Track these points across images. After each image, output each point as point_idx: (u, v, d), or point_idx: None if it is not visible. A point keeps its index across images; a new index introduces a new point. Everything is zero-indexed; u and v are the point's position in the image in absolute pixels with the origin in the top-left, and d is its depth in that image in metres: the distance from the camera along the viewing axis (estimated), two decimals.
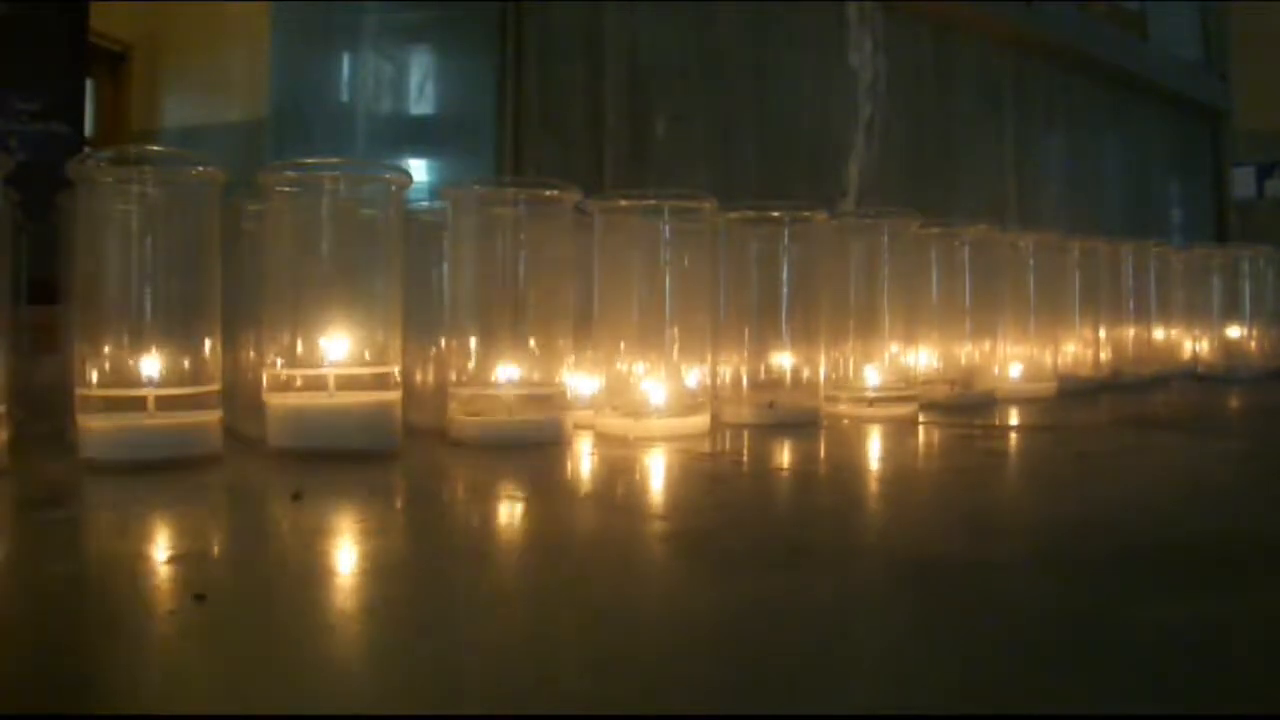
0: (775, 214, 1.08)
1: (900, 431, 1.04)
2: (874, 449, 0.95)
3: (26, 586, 0.50)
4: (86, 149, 1.24)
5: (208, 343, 0.81)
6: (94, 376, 0.79)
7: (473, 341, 0.92)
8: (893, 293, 1.13)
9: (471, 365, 0.92)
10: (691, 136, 1.67)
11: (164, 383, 0.79)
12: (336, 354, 0.85)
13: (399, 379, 0.87)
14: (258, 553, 0.58)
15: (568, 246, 0.96)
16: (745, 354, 1.08)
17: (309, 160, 0.90)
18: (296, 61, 1.58)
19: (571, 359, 0.95)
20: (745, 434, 1.00)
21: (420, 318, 0.95)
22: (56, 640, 0.41)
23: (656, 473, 0.82)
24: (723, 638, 0.42)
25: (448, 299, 0.95)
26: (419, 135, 1.54)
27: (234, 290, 0.86)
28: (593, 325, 0.99)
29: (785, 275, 1.07)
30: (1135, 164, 2.87)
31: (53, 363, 0.91)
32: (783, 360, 1.07)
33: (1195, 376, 1.69)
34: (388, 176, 0.90)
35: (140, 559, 0.54)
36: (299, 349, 0.84)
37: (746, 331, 1.07)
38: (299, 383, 0.84)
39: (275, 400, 0.84)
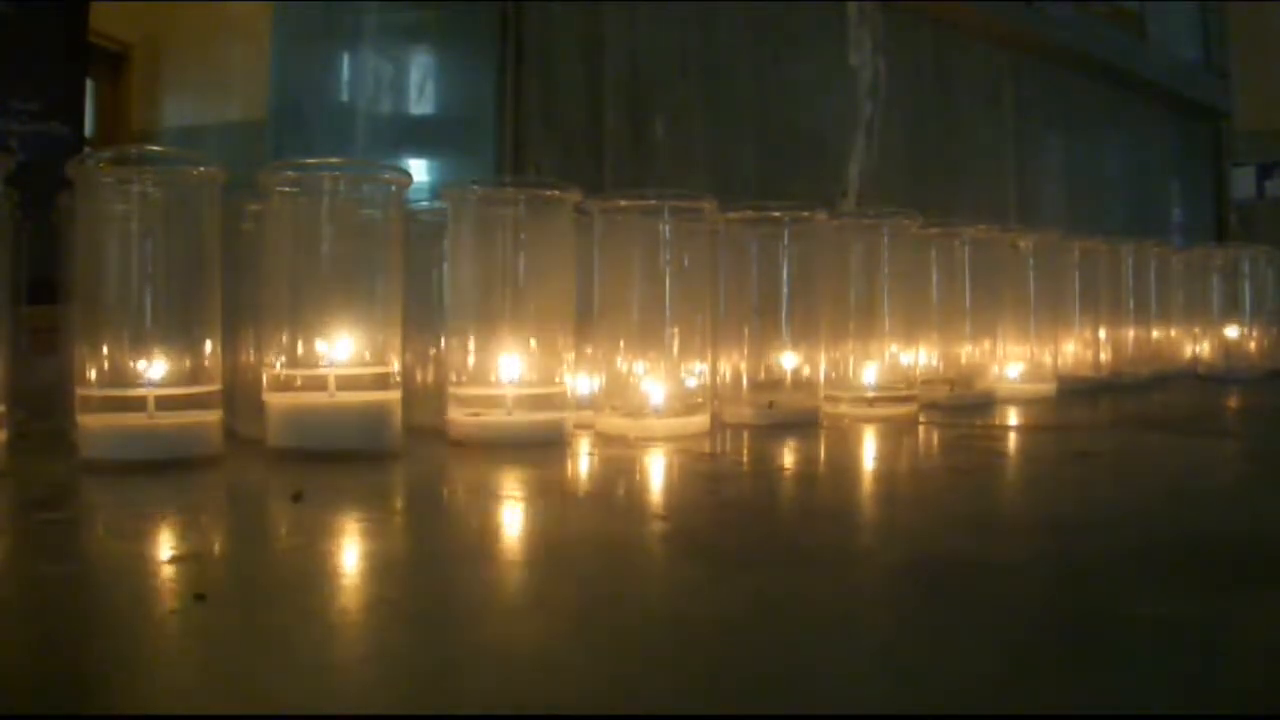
0: (775, 214, 1.08)
1: (900, 431, 1.04)
2: (874, 449, 0.95)
3: (26, 587, 0.50)
4: (86, 149, 1.24)
5: (208, 343, 0.81)
6: (94, 376, 0.79)
7: (472, 341, 0.92)
8: (893, 293, 1.13)
9: (471, 365, 0.92)
10: (691, 136, 1.67)
11: (164, 383, 0.79)
12: (336, 354, 0.85)
13: (399, 379, 0.87)
14: (258, 553, 0.58)
15: (568, 246, 0.96)
16: (745, 354, 1.07)
17: (309, 160, 0.90)
18: (296, 61, 1.58)
19: (571, 359, 0.95)
20: (745, 434, 1.00)
21: (420, 318, 0.95)
22: (56, 640, 0.41)
23: (656, 473, 0.82)
24: (723, 638, 0.42)
25: (448, 299, 0.95)
26: (419, 135, 1.54)
27: (234, 290, 0.86)
28: (593, 325, 0.99)
29: (785, 275, 1.07)
30: (1135, 164, 2.87)
31: (53, 363, 0.91)
32: (783, 360, 1.07)
33: (1195, 376, 1.69)
34: (388, 176, 0.90)
35: (140, 559, 0.54)
36: (299, 349, 0.84)
37: (746, 331, 1.07)
38: (299, 383, 0.84)
39: (275, 400, 0.84)
